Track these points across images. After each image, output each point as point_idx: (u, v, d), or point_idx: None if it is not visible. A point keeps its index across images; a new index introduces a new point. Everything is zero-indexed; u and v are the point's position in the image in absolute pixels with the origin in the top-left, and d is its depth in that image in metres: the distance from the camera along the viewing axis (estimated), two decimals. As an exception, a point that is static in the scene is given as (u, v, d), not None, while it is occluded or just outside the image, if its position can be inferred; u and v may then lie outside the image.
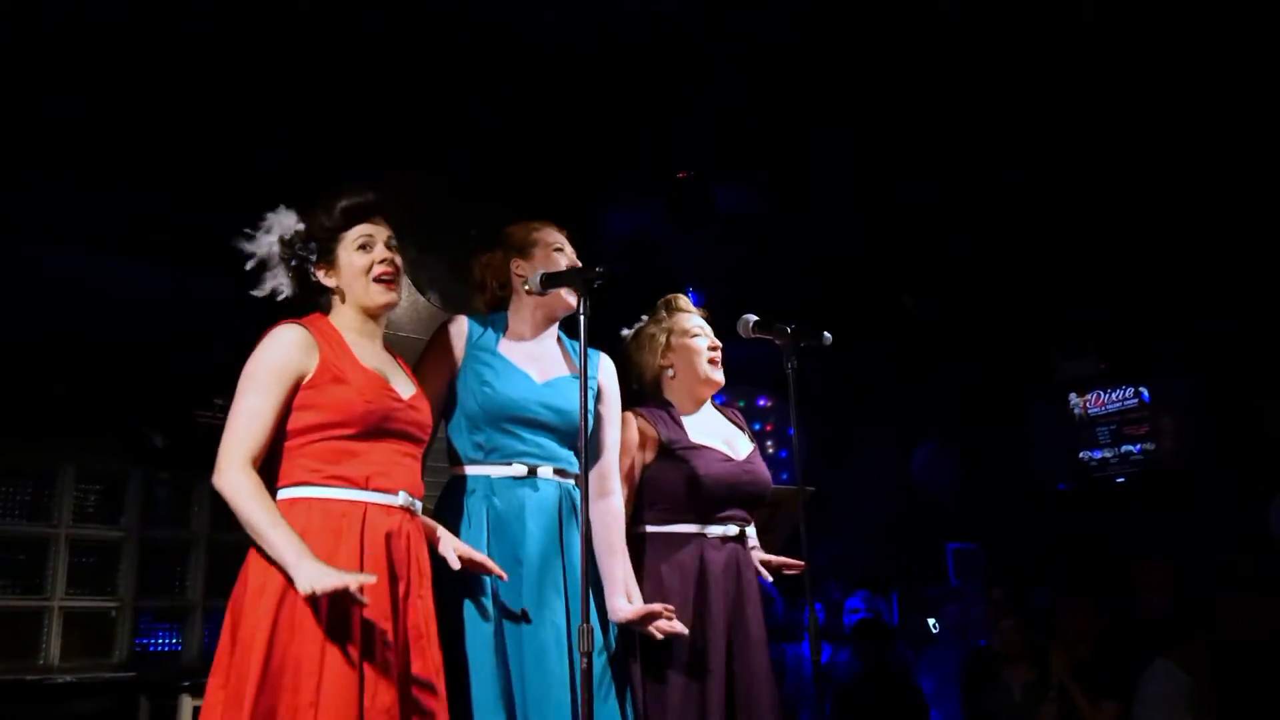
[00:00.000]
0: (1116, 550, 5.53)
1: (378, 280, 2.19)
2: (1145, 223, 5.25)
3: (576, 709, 2.18)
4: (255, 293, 2.21)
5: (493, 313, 2.60)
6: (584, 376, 2.16)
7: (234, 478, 1.97)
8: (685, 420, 2.77)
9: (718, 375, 2.81)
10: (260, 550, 1.96)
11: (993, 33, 3.92)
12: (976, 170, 4.93)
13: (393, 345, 2.37)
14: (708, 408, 2.88)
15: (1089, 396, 6.62)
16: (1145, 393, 6.36)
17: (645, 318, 2.93)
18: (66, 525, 4.09)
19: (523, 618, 2.28)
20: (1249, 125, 4.45)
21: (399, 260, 2.24)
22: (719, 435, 2.79)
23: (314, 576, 1.84)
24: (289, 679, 1.89)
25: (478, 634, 2.25)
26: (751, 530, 2.80)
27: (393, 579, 2.03)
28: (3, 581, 3.95)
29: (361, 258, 2.20)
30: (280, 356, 2.06)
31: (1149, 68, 4.12)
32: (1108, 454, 6.49)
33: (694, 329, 2.83)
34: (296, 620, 1.91)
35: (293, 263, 2.21)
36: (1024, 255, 5.67)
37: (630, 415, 2.71)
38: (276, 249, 2.20)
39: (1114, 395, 6.50)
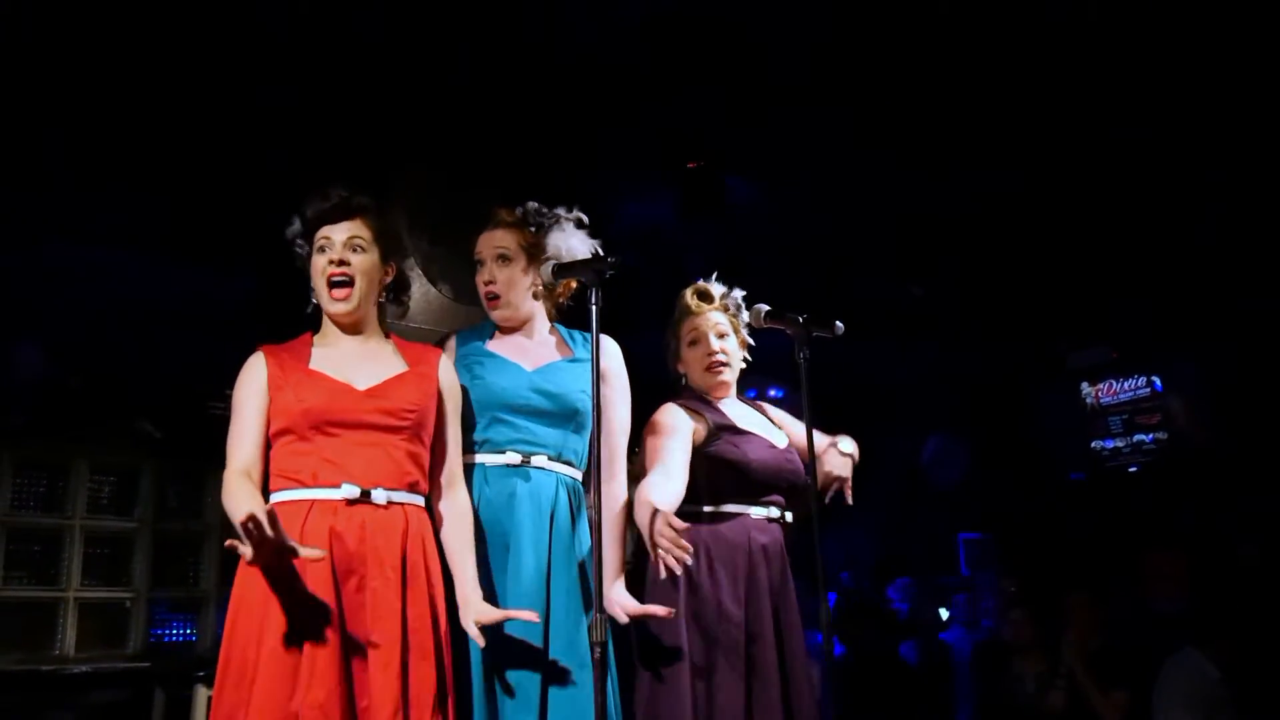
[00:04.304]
0: (1129, 540, 5.52)
1: (329, 283, 2.19)
2: (1156, 211, 5.22)
3: (545, 700, 2.20)
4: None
5: (483, 321, 2.60)
6: (596, 368, 2.14)
7: (227, 479, 2.10)
8: (724, 407, 2.78)
9: (718, 379, 2.78)
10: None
11: (1000, 22, 3.90)
12: (986, 160, 4.90)
13: (404, 336, 2.37)
14: (736, 399, 2.88)
15: (1101, 386, 6.60)
16: (1158, 382, 6.33)
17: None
18: (81, 517, 4.12)
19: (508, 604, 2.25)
20: (1259, 111, 4.42)
21: (355, 259, 2.20)
22: (758, 424, 2.81)
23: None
24: (233, 679, 1.95)
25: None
26: None
27: (335, 575, 2.00)
28: (18, 572, 3.98)
29: (319, 259, 2.21)
30: (245, 383, 2.18)
31: (1155, 57, 4.09)
32: (1120, 443, 6.46)
33: (692, 334, 2.80)
34: (242, 621, 1.98)
35: (298, 260, 2.29)
36: (1035, 244, 5.64)
37: (672, 406, 2.71)
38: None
39: (1126, 384, 6.48)
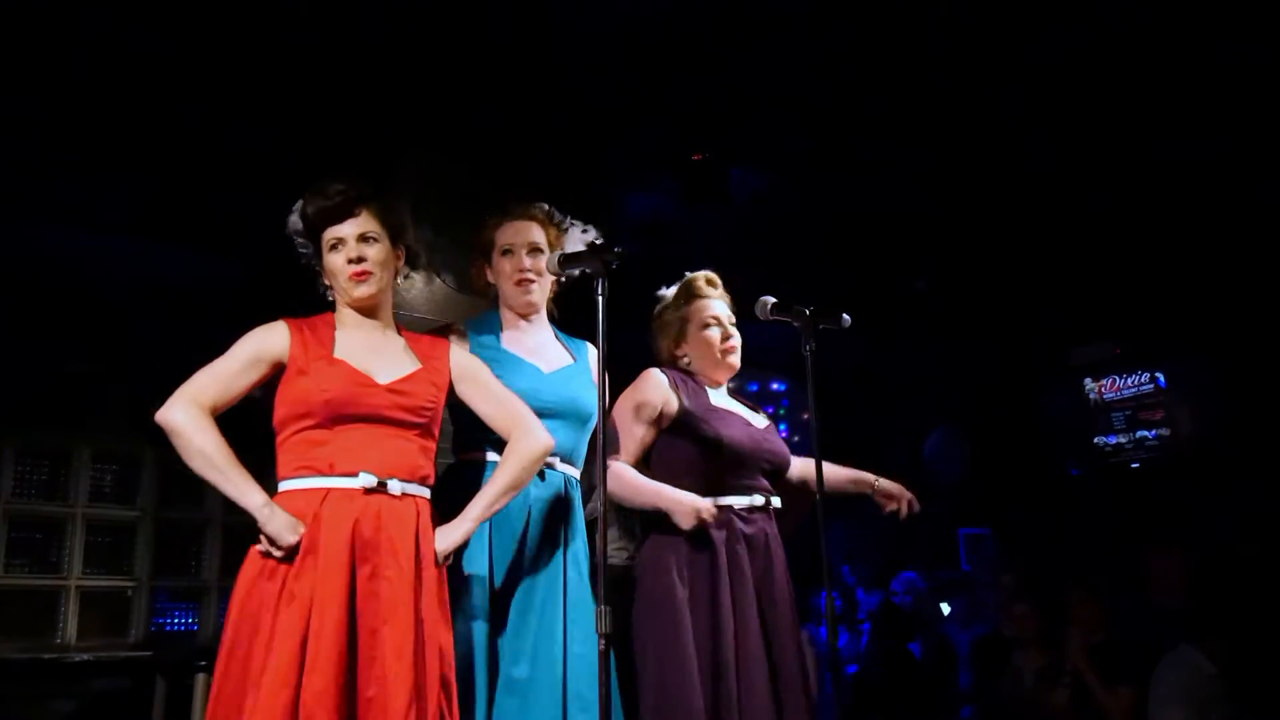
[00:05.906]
0: (1130, 536, 5.51)
1: (352, 279, 2.23)
2: (1161, 206, 5.21)
3: (566, 691, 2.25)
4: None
5: (485, 313, 2.64)
6: (602, 360, 2.15)
7: (180, 411, 2.09)
8: (709, 389, 2.79)
9: (733, 361, 2.82)
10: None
11: (1006, 18, 3.89)
12: (991, 155, 4.89)
13: (406, 326, 2.38)
14: (723, 388, 2.89)
15: (1104, 381, 6.57)
16: (1161, 377, 6.31)
17: (668, 292, 2.90)
18: (83, 505, 4.12)
19: (525, 601, 2.31)
20: (1258, 105, 4.40)
21: (370, 252, 2.24)
22: (736, 407, 2.82)
23: (280, 529, 1.98)
24: (240, 658, 1.97)
25: (471, 621, 2.26)
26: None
27: (353, 562, 2.02)
28: (20, 560, 3.98)
29: (335, 259, 2.24)
30: (257, 338, 2.19)
31: (1163, 53, 4.08)
32: (1122, 439, 6.44)
33: (708, 319, 2.81)
34: (255, 602, 2.00)
35: (302, 258, 2.32)
36: (1038, 239, 5.62)
37: (656, 371, 2.72)
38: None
39: (1129, 380, 6.45)
